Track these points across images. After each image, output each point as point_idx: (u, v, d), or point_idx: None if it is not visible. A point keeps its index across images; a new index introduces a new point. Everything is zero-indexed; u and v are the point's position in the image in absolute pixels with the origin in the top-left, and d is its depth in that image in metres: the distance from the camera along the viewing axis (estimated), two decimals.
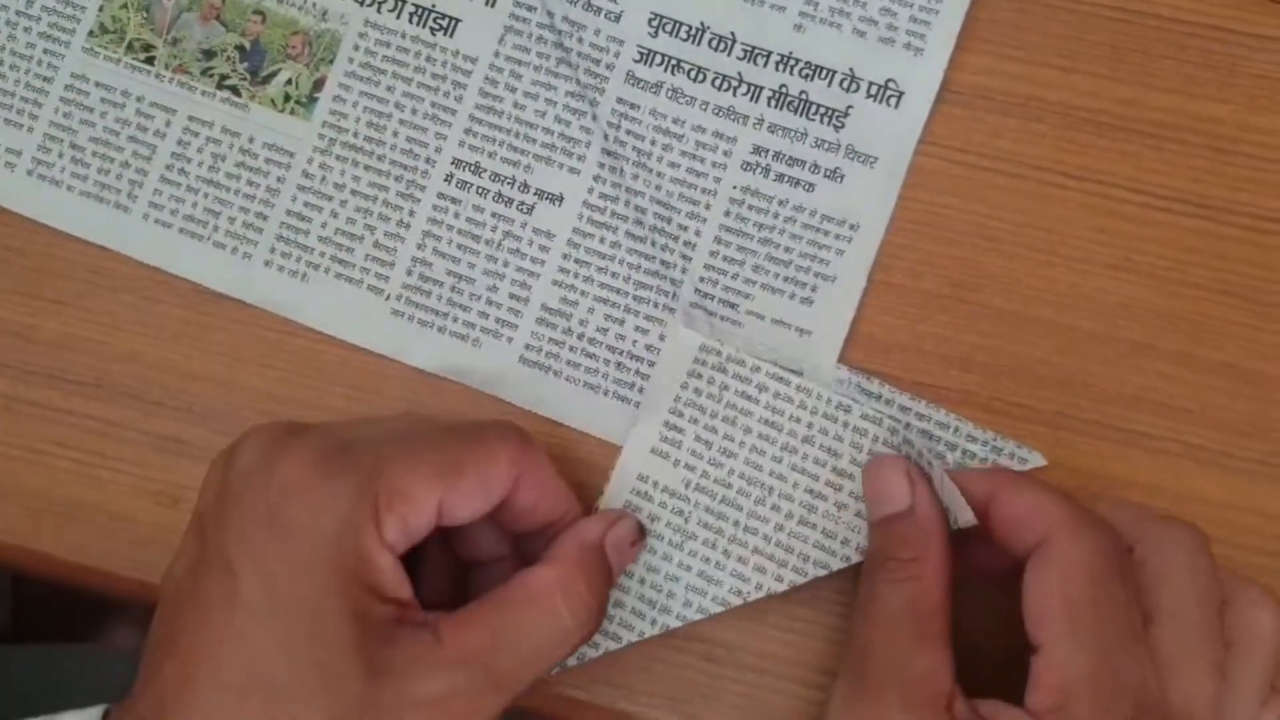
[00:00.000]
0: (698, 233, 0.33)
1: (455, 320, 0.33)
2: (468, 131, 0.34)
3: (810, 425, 0.31)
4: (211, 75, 0.35)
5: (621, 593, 0.31)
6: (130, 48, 0.36)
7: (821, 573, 0.30)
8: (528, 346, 0.33)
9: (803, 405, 0.31)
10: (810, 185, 0.33)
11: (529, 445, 0.28)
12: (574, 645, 0.27)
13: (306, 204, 0.34)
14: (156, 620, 0.26)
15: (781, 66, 0.33)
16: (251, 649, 0.24)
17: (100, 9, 0.36)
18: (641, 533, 0.31)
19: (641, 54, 0.34)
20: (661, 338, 0.33)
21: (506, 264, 0.33)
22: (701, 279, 0.33)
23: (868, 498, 0.29)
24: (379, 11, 0.35)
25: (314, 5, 0.35)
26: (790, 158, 0.33)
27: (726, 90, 0.33)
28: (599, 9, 0.34)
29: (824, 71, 0.33)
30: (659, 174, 0.33)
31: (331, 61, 0.35)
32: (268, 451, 0.26)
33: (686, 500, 0.31)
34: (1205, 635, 0.25)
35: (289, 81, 0.35)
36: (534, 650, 0.26)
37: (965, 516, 0.27)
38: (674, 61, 0.34)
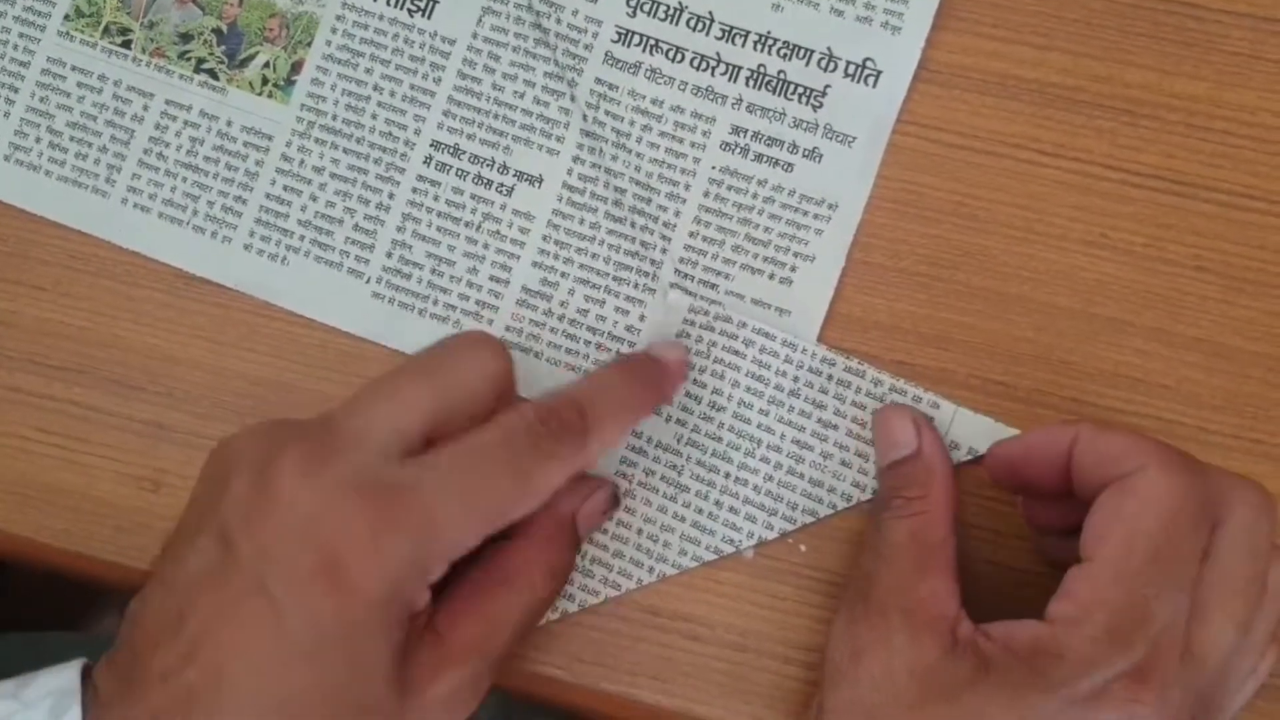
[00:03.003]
0: (677, 213, 0.33)
1: (435, 303, 0.33)
2: (446, 113, 0.34)
3: (796, 379, 0.31)
4: (189, 59, 0.35)
5: (620, 544, 0.32)
6: (106, 31, 0.35)
7: (809, 520, 0.31)
8: (508, 328, 0.33)
9: (788, 360, 0.32)
10: (789, 165, 0.33)
11: (578, 467, 0.27)
12: (545, 611, 0.29)
13: (286, 187, 0.34)
14: (159, 607, 0.26)
15: (759, 46, 0.33)
16: (290, 682, 0.24)
17: None
18: (616, 501, 0.31)
19: (620, 34, 0.34)
20: (642, 318, 0.33)
21: (486, 246, 0.33)
22: (681, 259, 0.33)
23: (877, 444, 0.30)
24: None
25: None
26: (769, 138, 0.33)
27: (705, 70, 0.34)
28: None
29: (802, 51, 0.33)
30: (638, 155, 0.33)
31: (309, 44, 0.35)
32: (314, 483, 0.25)
33: (679, 454, 0.32)
34: (1243, 589, 0.26)
35: (267, 64, 0.35)
36: (519, 626, 0.28)
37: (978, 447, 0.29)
38: (652, 41, 0.34)
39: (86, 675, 0.26)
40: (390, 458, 0.26)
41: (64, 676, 0.26)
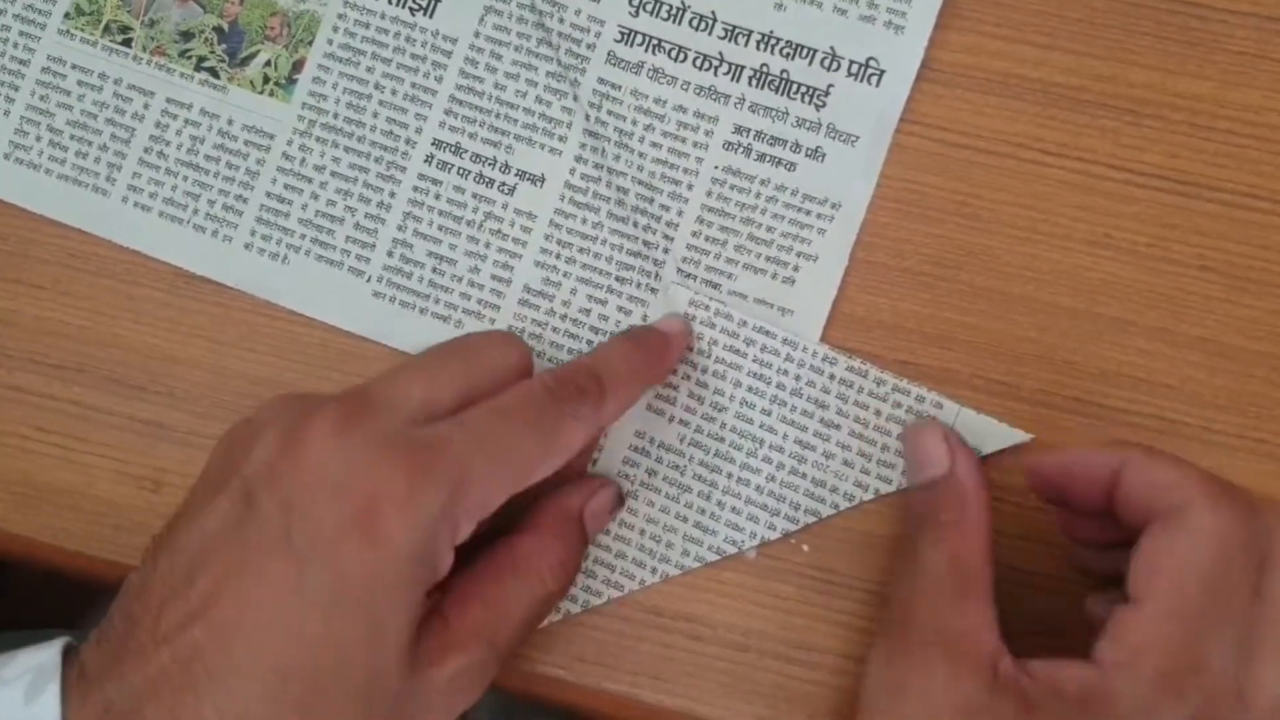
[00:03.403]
0: (680, 213, 0.33)
1: (437, 302, 0.33)
2: (448, 112, 0.34)
3: (798, 378, 0.31)
4: (190, 57, 0.35)
5: (623, 544, 0.32)
6: (107, 30, 0.35)
7: (812, 520, 0.31)
8: (510, 328, 0.33)
9: (789, 359, 0.31)
10: (792, 164, 0.33)
11: (596, 428, 0.28)
12: (553, 607, 0.29)
13: (286, 186, 0.34)
14: (165, 571, 0.25)
15: (762, 46, 0.33)
16: (304, 639, 0.24)
17: None
18: (620, 501, 0.31)
19: (622, 34, 0.34)
20: (645, 318, 0.33)
21: (488, 245, 0.33)
22: (684, 259, 0.33)
23: (908, 462, 0.30)
24: None
25: None
26: (772, 137, 0.33)
27: (708, 70, 0.33)
28: None
29: (805, 50, 0.33)
30: (641, 154, 0.33)
31: (310, 43, 0.35)
32: (346, 442, 0.25)
33: (682, 455, 0.32)
34: None
35: (268, 63, 0.35)
36: (526, 617, 0.28)
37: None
38: (655, 41, 0.34)
39: (73, 654, 0.25)
40: (420, 422, 0.26)
41: (44, 654, 0.25)
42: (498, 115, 0.34)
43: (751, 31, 0.33)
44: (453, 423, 0.26)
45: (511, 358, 0.29)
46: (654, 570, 0.31)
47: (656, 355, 0.31)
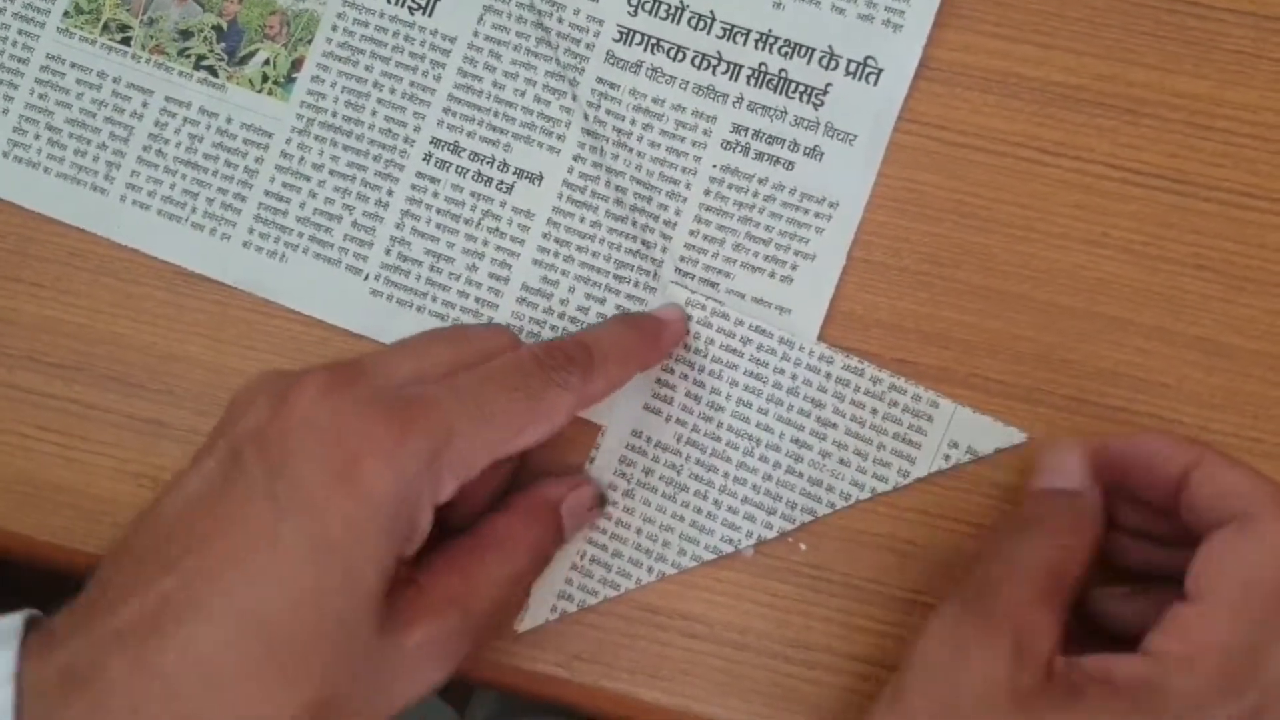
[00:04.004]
0: (678, 212, 0.33)
1: (434, 300, 0.33)
2: (446, 111, 0.34)
3: (794, 377, 0.31)
4: (189, 56, 0.35)
5: (619, 543, 0.31)
6: (106, 28, 0.35)
7: (808, 519, 0.31)
8: (508, 326, 0.33)
9: (785, 357, 0.31)
10: (790, 163, 0.33)
11: (584, 400, 0.28)
12: (524, 588, 0.29)
13: (285, 184, 0.34)
14: (149, 533, 0.25)
15: (761, 45, 0.33)
16: (278, 585, 0.24)
17: None
18: (601, 501, 0.31)
19: (621, 33, 0.34)
20: None
21: (486, 243, 0.33)
22: (682, 258, 0.33)
23: (1040, 464, 0.29)
24: None
25: None
26: (770, 136, 0.33)
27: (706, 69, 0.33)
28: None
29: (803, 49, 0.33)
30: (639, 153, 0.33)
31: (309, 41, 0.35)
32: (335, 400, 0.26)
33: (679, 454, 0.32)
34: None
35: (267, 62, 0.35)
36: (499, 592, 0.28)
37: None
38: (653, 40, 0.34)
39: (43, 623, 0.25)
40: (409, 386, 0.27)
41: (6, 620, 0.25)
42: (496, 114, 0.34)
43: (750, 30, 0.33)
44: (440, 384, 0.27)
45: (502, 341, 0.29)
46: (650, 569, 0.31)
47: (651, 339, 0.31)
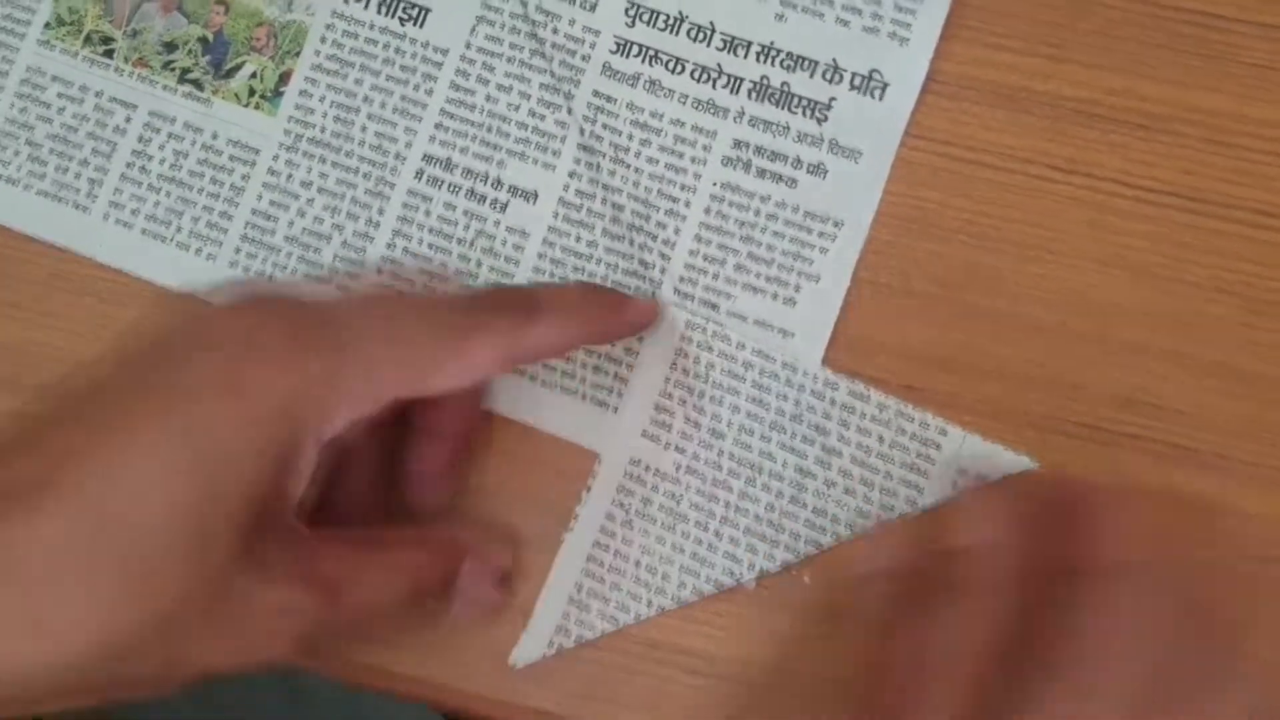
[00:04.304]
0: (677, 231, 0.32)
1: None
2: (439, 126, 0.33)
3: (798, 403, 0.30)
4: (173, 69, 0.34)
5: (618, 576, 0.30)
6: (88, 40, 0.34)
7: (812, 550, 0.30)
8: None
9: (789, 383, 0.30)
10: (793, 181, 0.32)
11: (511, 350, 0.26)
12: (383, 614, 0.27)
13: (272, 202, 0.33)
14: (37, 409, 0.24)
15: (762, 57, 0.32)
16: (139, 487, 0.23)
17: (56, 0, 0.34)
18: (502, 582, 0.30)
19: (618, 45, 0.33)
20: (640, 339, 0.31)
21: (480, 263, 0.32)
22: (681, 279, 0.32)
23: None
24: (346, 2, 0.34)
25: None
26: (772, 152, 0.32)
27: (706, 82, 0.32)
28: None
29: (806, 62, 0.32)
30: (637, 170, 0.32)
31: (297, 54, 0.34)
32: (251, 309, 0.25)
33: (678, 483, 0.30)
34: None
35: (254, 75, 0.34)
36: (369, 601, 0.26)
37: None
38: (651, 52, 0.33)
39: None
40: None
41: None
42: (490, 129, 0.33)
43: (751, 43, 0.32)
44: (353, 299, 0.25)
45: None
46: (650, 603, 0.30)
47: (608, 308, 0.29)
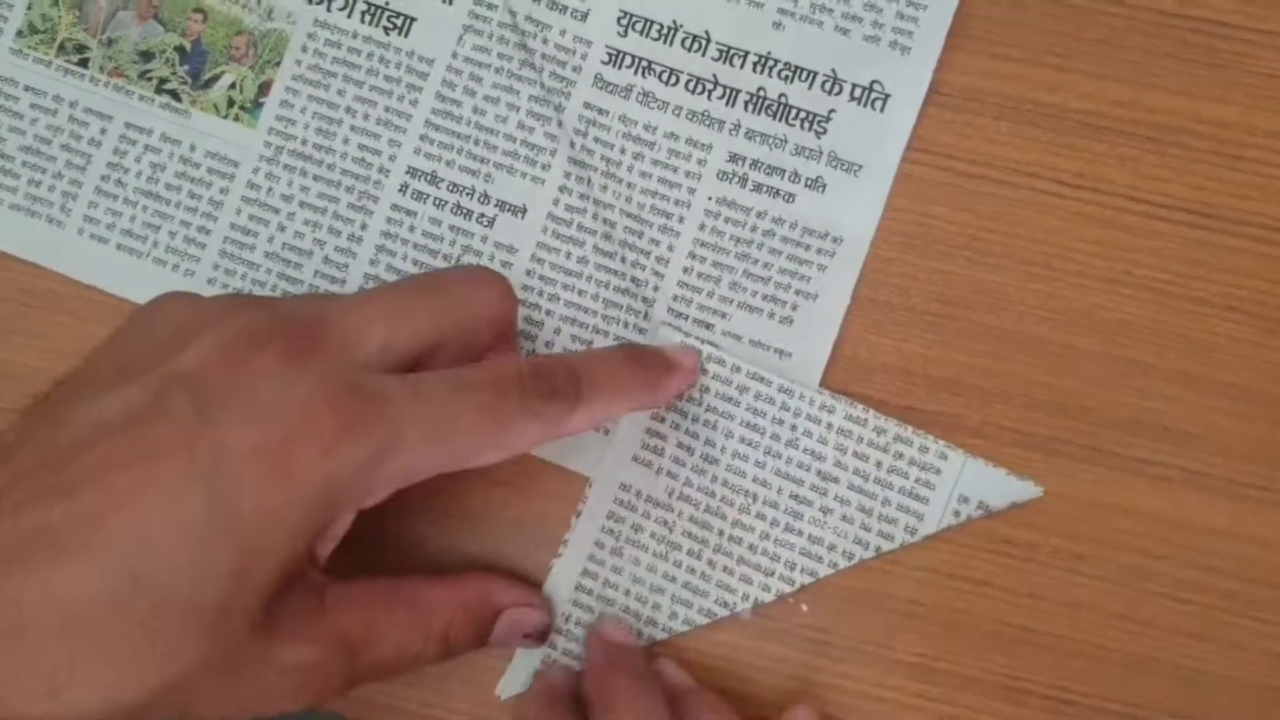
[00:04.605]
0: (670, 247, 0.31)
1: None
2: (424, 138, 0.32)
3: (794, 428, 0.29)
4: (150, 79, 0.33)
5: (607, 605, 0.29)
6: (62, 49, 0.33)
7: (809, 580, 0.29)
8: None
9: (785, 407, 0.29)
10: (790, 195, 0.31)
11: (556, 434, 0.26)
12: (415, 670, 0.27)
13: (252, 217, 0.32)
14: (46, 440, 0.23)
15: (759, 68, 0.31)
16: (168, 553, 0.22)
17: (29, 7, 0.33)
18: (543, 636, 0.29)
19: (610, 55, 0.32)
20: None
21: None
22: (675, 297, 0.31)
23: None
24: (328, 10, 0.33)
25: (259, 3, 0.33)
26: (769, 166, 0.31)
27: (701, 93, 0.31)
28: (564, 7, 0.32)
29: (805, 73, 0.31)
30: (629, 184, 0.31)
31: (278, 64, 0.33)
32: (289, 371, 0.23)
33: (670, 509, 0.29)
34: None
35: (233, 85, 0.33)
36: (393, 658, 0.26)
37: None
38: (645, 63, 0.32)
39: None
40: (374, 368, 0.24)
41: None
42: (476, 142, 0.32)
43: (748, 53, 0.31)
44: (405, 381, 0.24)
45: (494, 307, 0.27)
46: (640, 634, 0.29)
47: (653, 379, 0.28)
